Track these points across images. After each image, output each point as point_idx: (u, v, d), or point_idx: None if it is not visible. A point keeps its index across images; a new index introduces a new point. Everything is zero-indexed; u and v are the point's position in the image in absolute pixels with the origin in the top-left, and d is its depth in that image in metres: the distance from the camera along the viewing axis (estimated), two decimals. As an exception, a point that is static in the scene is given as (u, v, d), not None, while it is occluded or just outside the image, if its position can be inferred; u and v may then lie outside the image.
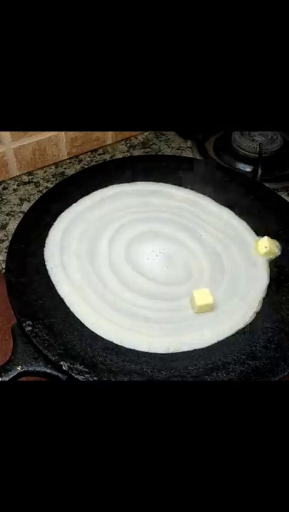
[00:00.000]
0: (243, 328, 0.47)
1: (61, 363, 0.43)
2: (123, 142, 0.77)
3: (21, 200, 0.67)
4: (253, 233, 0.56)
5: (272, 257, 0.53)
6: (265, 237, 0.54)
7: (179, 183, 0.61)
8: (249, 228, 0.56)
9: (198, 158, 0.72)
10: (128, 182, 0.61)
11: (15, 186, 0.69)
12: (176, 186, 0.61)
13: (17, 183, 0.70)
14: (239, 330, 0.47)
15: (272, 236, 0.55)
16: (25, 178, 0.71)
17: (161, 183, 0.61)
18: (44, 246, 0.53)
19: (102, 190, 0.60)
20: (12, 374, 0.43)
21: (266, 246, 0.53)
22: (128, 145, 0.77)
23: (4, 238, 0.62)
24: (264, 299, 0.50)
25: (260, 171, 0.66)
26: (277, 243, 0.54)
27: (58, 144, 0.71)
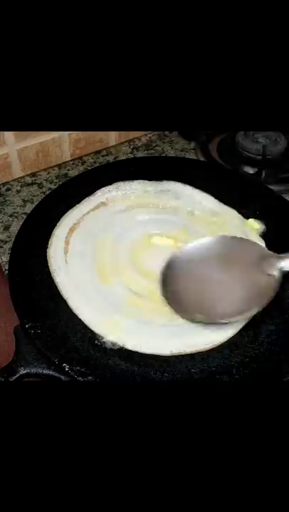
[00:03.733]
0: (246, 331, 0.47)
1: (64, 364, 0.43)
2: (126, 144, 0.77)
3: (24, 201, 0.67)
4: (256, 236, 0.55)
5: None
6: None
7: (183, 184, 0.61)
8: (253, 230, 0.56)
9: (202, 160, 0.72)
10: (131, 183, 0.61)
11: (18, 187, 0.69)
12: (180, 188, 0.61)
13: (20, 184, 0.70)
14: (242, 332, 0.47)
15: (275, 240, 0.55)
16: (29, 180, 0.71)
17: (164, 185, 0.61)
18: (47, 247, 0.53)
19: (105, 191, 0.60)
20: (15, 376, 0.43)
21: None
22: (131, 146, 0.77)
23: (7, 239, 0.62)
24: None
25: (264, 173, 0.66)
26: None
27: (62, 145, 0.71)
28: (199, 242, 0.49)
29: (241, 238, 0.51)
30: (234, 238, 0.50)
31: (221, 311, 0.45)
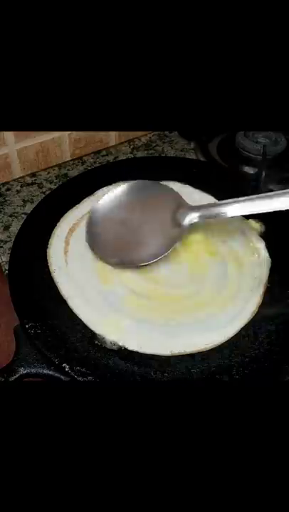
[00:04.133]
0: (246, 331, 0.47)
1: (63, 364, 0.43)
2: (126, 144, 0.77)
3: (24, 201, 0.67)
4: (256, 236, 0.55)
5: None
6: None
7: (183, 184, 0.61)
8: (253, 230, 0.56)
9: (202, 160, 0.72)
10: (131, 183, 0.61)
11: (18, 187, 0.69)
12: (180, 188, 0.61)
13: (20, 184, 0.70)
14: (242, 332, 0.47)
15: (275, 240, 0.55)
16: (29, 180, 0.71)
17: (164, 185, 0.61)
18: (47, 247, 0.53)
19: (105, 191, 0.60)
20: (14, 376, 0.43)
21: None
22: (131, 146, 0.77)
23: (7, 239, 0.62)
24: (268, 301, 0.49)
25: (264, 173, 0.66)
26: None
27: (62, 145, 0.71)
28: (120, 187, 0.52)
29: (160, 184, 0.54)
30: (154, 184, 0.53)
31: (132, 256, 0.49)
